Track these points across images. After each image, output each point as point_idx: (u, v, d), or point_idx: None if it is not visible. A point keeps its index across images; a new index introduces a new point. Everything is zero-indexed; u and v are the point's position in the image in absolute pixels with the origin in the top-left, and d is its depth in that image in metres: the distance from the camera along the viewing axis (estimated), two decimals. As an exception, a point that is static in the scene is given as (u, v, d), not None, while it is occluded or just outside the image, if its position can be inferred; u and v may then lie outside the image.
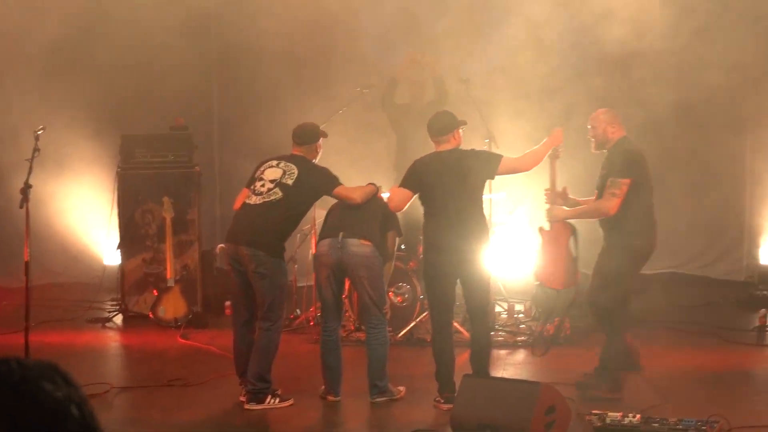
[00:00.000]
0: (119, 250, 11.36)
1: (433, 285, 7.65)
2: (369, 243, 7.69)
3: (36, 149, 8.30)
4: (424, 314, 9.67)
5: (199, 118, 12.45)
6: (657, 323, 10.44)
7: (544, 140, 8.01)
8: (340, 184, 7.84)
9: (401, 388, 7.91)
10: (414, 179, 7.73)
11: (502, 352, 9.44)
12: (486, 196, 10.05)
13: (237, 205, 7.94)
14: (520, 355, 9.50)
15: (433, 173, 7.64)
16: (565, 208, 8.27)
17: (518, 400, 6.71)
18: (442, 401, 7.58)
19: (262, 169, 7.90)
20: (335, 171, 10.32)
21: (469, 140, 11.46)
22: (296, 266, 10.46)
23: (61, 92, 12.38)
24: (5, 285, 12.34)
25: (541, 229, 8.79)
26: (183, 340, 10.08)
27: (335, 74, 12.11)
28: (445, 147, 7.74)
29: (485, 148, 10.18)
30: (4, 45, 12.29)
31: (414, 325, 9.76)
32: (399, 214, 8.00)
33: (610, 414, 6.96)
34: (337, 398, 7.80)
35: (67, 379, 1.71)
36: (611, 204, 7.69)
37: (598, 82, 11.37)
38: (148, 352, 9.74)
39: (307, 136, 7.98)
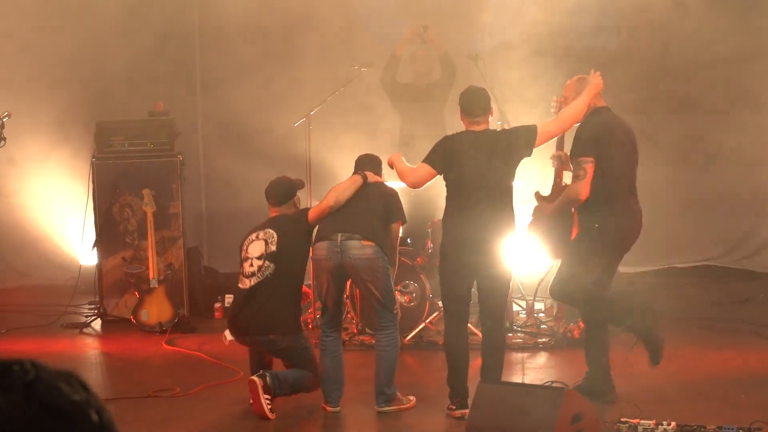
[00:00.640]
0: (96, 249, 11.33)
1: (451, 279, 7.60)
2: (371, 243, 7.66)
3: (2, 138, 8.31)
4: (435, 315, 9.66)
5: (181, 103, 12.41)
6: (692, 321, 10.42)
7: (585, 89, 7.83)
8: (310, 208, 7.99)
9: (411, 398, 7.89)
10: (440, 157, 7.65)
11: (522, 355, 9.43)
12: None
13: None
14: (541, 358, 9.50)
15: (465, 153, 7.55)
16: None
17: (540, 408, 6.71)
18: (455, 407, 7.56)
19: (245, 247, 8.03)
20: (331, 157, 10.29)
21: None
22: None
23: (28, 74, 12.37)
24: (-32, 288, 12.36)
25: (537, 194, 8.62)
26: (168, 347, 10.07)
27: (330, 52, 12.09)
28: (480, 127, 7.70)
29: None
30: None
31: (423, 327, 9.75)
32: (406, 204, 7.97)
33: (642, 422, 6.95)
34: (336, 408, 7.78)
35: (86, 386, 1.75)
36: (578, 188, 7.63)
37: (620, 57, 11.39)
38: (131, 360, 9.73)
39: (282, 196, 8.13)
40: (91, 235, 11.38)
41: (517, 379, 8.43)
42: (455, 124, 11.03)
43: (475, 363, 7.99)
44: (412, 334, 9.67)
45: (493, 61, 11.53)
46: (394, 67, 11.12)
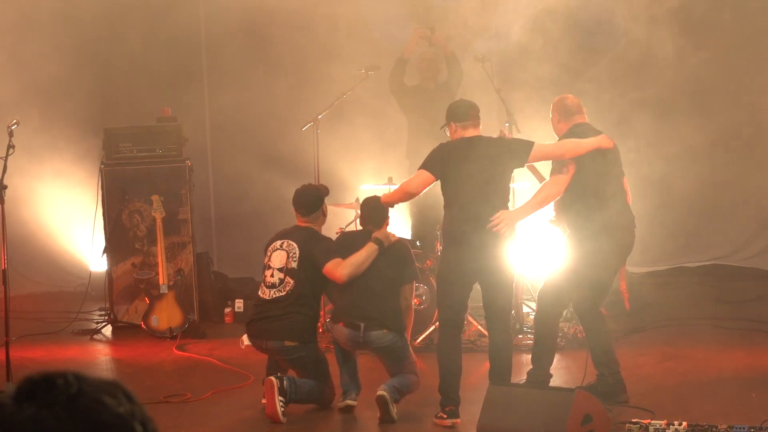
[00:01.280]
0: (106, 255, 11.37)
1: (447, 283, 7.63)
2: (392, 330, 7.75)
3: (11, 146, 8.32)
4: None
5: (189, 108, 12.44)
6: (702, 320, 10.42)
7: (595, 139, 7.92)
8: (332, 257, 7.88)
9: None
10: (438, 163, 7.68)
11: (530, 357, 9.43)
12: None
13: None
14: (551, 359, 9.51)
15: (461, 159, 7.60)
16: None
17: (551, 410, 6.73)
18: (445, 416, 7.51)
19: (269, 253, 8.10)
20: (340, 162, 10.28)
21: (487, 124, 11.50)
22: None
23: (37, 81, 12.40)
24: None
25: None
26: (179, 352, 10.10)
27: (336, 55, 12.10)
28: (473, 133, 7.74)
29: (505, 132, 10.19)
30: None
31: (433, 330, 9.76)
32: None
33: (653, 422, 6.95)
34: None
35: (130, 396, 1.75)
36: (560, 180, 7.81)
37: (631, 57, 11.38)
38: (142, 365, 9.75)
39: (310, 205, 8.16)
40: (101, 242, 11.41)
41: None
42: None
43: (484, 367, 8.01)
44: (422, 336, 9.68)
45: (501, 63, 11.56)
46: (401, 69, 11.13)
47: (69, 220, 12.75)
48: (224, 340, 10.44)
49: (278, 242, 8.07)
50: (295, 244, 7.96)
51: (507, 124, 10.04)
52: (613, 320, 10.00)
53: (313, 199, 8.17)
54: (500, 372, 7.62)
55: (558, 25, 11.04)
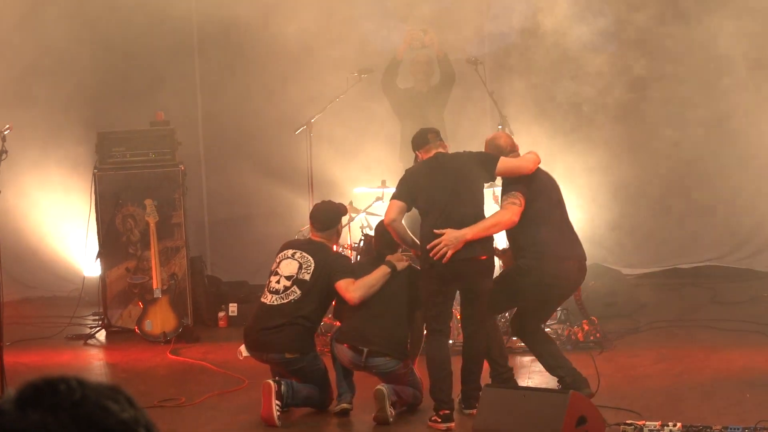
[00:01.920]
0: (99, 260, 11.37)
1: (433, 297, 7.66)
2: (395, 358, 7.74)
3: (3, 151, 8.32)
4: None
5: (182, 112, 12.43)
6: (696, 321, 10.43)
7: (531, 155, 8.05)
8: (347, 276, 7.85)
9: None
10: (405, 190, 7.75)
11: (526, 359, 9.43)
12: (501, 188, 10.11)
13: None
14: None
15: (428, 176, 7.70)
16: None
17: (546, 411, 6.75)
18: (440, 420, 7.52)
19: (278, 260, 8.07)
20: (333, 166, 10.29)
21: (481, 126, 11.58)
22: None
23: (28, 85, 12.41)
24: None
25: None
26: (173, 356, 10.08)
27: (328, 58, 12.09)
28: (431, 153, 7.81)
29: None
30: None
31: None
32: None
33: (647, 423, 6.98)
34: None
35: (132, 402, 1.74)
36: (513, 210, 7.74)
37: (625, 58, 11.41)
38: (136, 370, 9.76)
39: (329, 221, 8.16)
40: (94, 246, 11.41)
41: (522, 382, 8.44)
42: (455, 129, 11.15)
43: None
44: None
45: (493, 66, 11.59)
46: (394, 70, 11.14)
47: (62, 225, 12.73)
48: (218, 344, 10.45)
49: (290, 251, 8.04)
50: (310, 257, 7.94)
51: (500, 126, 10.05)
52: (607, 322, 10.05)
53: (331, 216, 8.18)
54: (474, 374, 7.74)
55: (551, 30, 11.07)
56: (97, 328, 11.24)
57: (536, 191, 7.82)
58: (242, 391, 8.56)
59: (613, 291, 10.90)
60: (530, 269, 7.73)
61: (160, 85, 12.42)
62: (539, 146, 11.25)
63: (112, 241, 11.31)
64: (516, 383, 8.02)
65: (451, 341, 8.47)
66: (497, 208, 8.21)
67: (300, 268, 7.91)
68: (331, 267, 7.90)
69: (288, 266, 7.97)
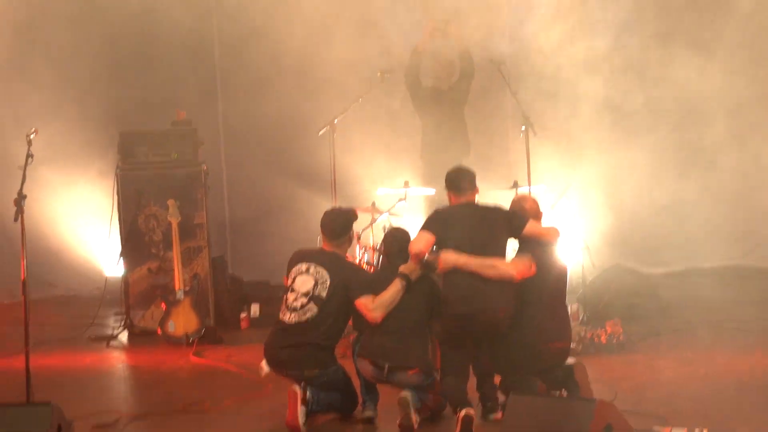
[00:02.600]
0: (121, 260, 11.39)
1: (453, 330, 7.71)
2: (417, 371, 7.72)
3: (29, 155, 8.31)
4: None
5: (203, 111, 12.44)
6: (719, 323, 10.39)
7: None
8: (366, 293, 7.77)
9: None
10: (439, 224, 7.74)
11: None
12: (524, 189, 10.11)
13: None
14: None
15: (459, 222, 7.72)
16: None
17: (571, 420, 6.72)
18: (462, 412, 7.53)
19: (293, 275, 7.94)
20: (356, 166, 10.22)
21: (504, 128, 11.57)
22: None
23: (52, 87, 12.43)
24: (-3, 300, 12.44)
25: None
26: (196, 359, 10.10)
27: (350, 57, 12.08)
28: (468, 199, 7.83)
29: (521, 136, 10.19)
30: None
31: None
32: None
33: (674, 429, 6.96)
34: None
35: None
36: (524, 266, 7.72)
37: (647, 57, 11.36)
38: (159, 373, 9.76)
39: (339, 230, 8.02)
40: (117, 247, 11.43)
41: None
42: (475, 125, 11.14)
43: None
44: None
45: (516, 65, 11.56)
46: (416, 63, 11.14)
47: (84, 225, 12.76)
48: (241, 346, 10.46)
49: (304, 266, 7.92)
50: (325, 272, 7.82)
51: (523, 128, 10.03)
52: (630, 323, 10.01)
53: (341, 225, 8.05)
54: (480, 381, 7.85)
55: (573, 29, 11.04)
56: (120, 329, 11.25)
57: (545, 266, 7.81)
58: (266, 395, 8.54)
59: (635, 292, 10.87)
60: (514, 343, 7.73)
61: (181, 84, 12.42)
62: (562, 145, 11.34)
63: (135, 241, 11.33)
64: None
65: None
66: None
67: (316, 284, 7.79)
68: (348, 283, 7.80)
69: (304, 283, 7.84)
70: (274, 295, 11.35)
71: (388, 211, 10.26)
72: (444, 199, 8.15)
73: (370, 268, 9.80)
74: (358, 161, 11.25)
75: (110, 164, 11.71)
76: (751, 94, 12.07)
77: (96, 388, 9.21)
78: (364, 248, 10.03)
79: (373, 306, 7.70)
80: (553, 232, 7.97)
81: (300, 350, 7.72)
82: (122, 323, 11.36)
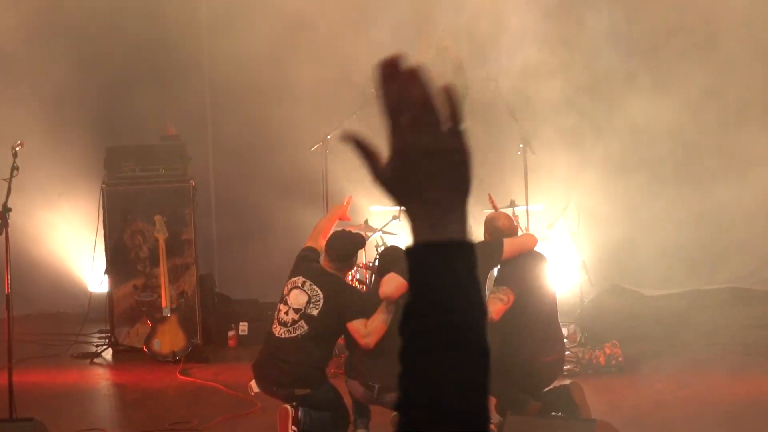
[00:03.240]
0: (106, 276, 11.37)
1: None
2: None
3: (14, 167, 8.30)
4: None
5: (192, 126, 12.44)
6: (721, 346, 10.38)
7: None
8: (359, 317, 7.68)
9: None
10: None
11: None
12: (521, 208, 10.11)
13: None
14: (566, 386, 9.48)
15: None
16: None
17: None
18: None
19: (288, 286, 7.90)
20: (349, 183, 10.21)
21: (502, 147, 11.57)
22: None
23: (36, 100, 12.41)
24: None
25: None
26: (183, 377, 10.08)
27: (344, 72, 12.09)
28: None
29: (519, 154, 10.20)
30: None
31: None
32: None
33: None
34: None
35: None
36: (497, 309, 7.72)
37: (642, 74, 11.39)
38: (145, 391, 9.74)
39: (345, 253, 7.95)
40: (102, 263, 11.40)
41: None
42: (471, 143, 11.12)
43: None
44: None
45: (512, 82, 11.58)
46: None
47: (69, 241, 12.73)
48: (228, 365, 10.44)
49: (300, 280, 7.87)
50: (320, 292, 7.76)
51: (521, 146, 10.05)
52: (627, 344, 9.99)
53: (348, 249, 7.97)
54: None
55: (571, 44, 11.07)
56: (104, 347, 11.22)
57: (527, 287, 7.80)
58: (255, 414, 8.52)
59: (634, 313, 10.87)
60: (508, 360, 7.72)
61: (169, 99, 12.41)
62: (562, 164, 11.34)
63: (120, 257, 11.31)
64: None
65: None
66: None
67: (308, 301, 7.74)
68: (342, 306, 7.72)
69: (297, 298, 7.79)
70: (262, 313, 11.33)
71: (381, 229, 10.25)
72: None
73: (362, 286, 9.78)
74: (351, 177, 11.21)
75: (97, 179, 11.69)
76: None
77: (80, 406, 9.19)
78: (356, 267, 10.00)
79: (365, 332, 7.66)
80: (530, 242, 7.98)
81: (290, 368, 7.68)
82: (107, 340, 11.32)
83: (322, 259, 8.07)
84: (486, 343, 1.99)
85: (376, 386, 7.65)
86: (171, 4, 12.24)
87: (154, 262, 11.14)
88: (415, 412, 1.96)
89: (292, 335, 7.73)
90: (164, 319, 10.81)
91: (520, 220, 9.56)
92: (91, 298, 11.86)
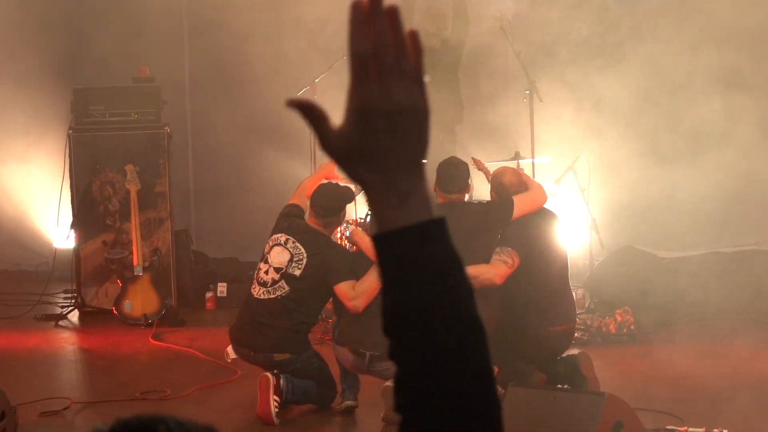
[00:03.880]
0: (73, 231, 11.32)
1: None
2: None
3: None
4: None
5: (168, 67, 12.35)
6: (742, 314, 10.34)
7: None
8: (347, 278, 7.70)
9: None
10: None
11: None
12: (527, 161, 10.07)
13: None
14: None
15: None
16: None
17: (578, 415, 6.68)
18: None
19: (270, 244, 7.90)
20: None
21: (507, 93, 11.53)
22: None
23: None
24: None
25: None
26: (156, 342, 10.05)
27: (331, 6, 11.97)
28: (455, 199, 7.89)
29: (525, 101, 10.16)
30: None
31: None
32: None
33: (690, 429, 6.94)
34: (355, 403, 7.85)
35: None
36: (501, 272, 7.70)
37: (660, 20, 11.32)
38: (114, 357, 9.70)
39: (332, 208, 7.94)
40: (68, 217, 11.36)
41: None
42: (472, 88, 11.10)
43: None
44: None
45: (519, 22, 11.50)
46: (408, 12, 11.09)
47: (32, 192, 12.70)
48: (205, 329, 10.42)
49: (283, 237, 7.86)
50: (303, 250, 7.76)
51: (527, 92, 10.00)
52: (642, 312, 9.98)
53: (336, 203, 7.96)
54: None
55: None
56: (70, 308, 11.20)
57: (535, 249, 7.78)
58: (234, 383, 8.50)
59: (648, 278, 10.83)
60: (511, 329, 7.71)
61: (144, 36, 12.32)
62: (571, 117, 11.28)
63: (88, 210, 11.26)
64: None
65: None
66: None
67: (291, 260, 7.73)
68: (327, 266, 7.73)
69: (278, 255, 7.79)
70: (243, 273, 11.33)
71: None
72: (433, 170, 8.13)
73: (352, 246, 9.75)
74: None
75: (62, 125, 11.62)
76: None
77: (43, 372, 9.17)
78: (346, 222, 9.98)
79: (353, 294, 7.64)
80: (540, 199, 7.98)
81: (269, 331, 7.68)
82: (73, 301, 11.30)
83: (307, 215, 8.04)
84: (479, 322, 1.91)
85: (368, 354, 7.62)
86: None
87: (125, 216, 11.10)
88: (413, 401, 1.90)
89: (272, 296, 7.71)
90: (136, 278, 10.78)
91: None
92: (56, 254, 11.82)
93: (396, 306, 1.88)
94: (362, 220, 10.05)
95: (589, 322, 9.81)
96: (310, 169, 10.43)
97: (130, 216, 10.93)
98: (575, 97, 11.18)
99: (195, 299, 11.38)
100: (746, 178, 12.30)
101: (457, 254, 1.89)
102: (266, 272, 7.81)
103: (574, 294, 10.61)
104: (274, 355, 7.69)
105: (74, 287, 11.37)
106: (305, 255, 7.77)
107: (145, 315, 10.62)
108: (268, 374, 7.57)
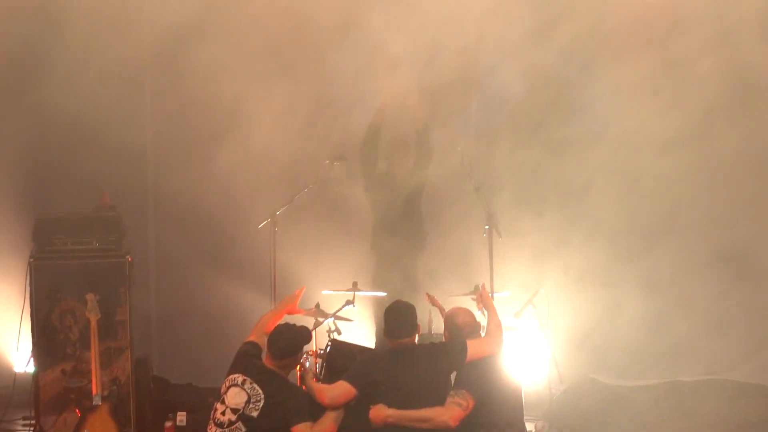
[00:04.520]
0: (33, 359, 11.31)
1: None
2: None
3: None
4: None
5: (131, 195, 12.46)
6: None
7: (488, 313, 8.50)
8: (304, 420, 7.86)
9: None
10: (364, 379, 7.98)
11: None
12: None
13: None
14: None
15: (389, 376, 7.93)
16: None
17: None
18: None
19: (227, 384, 7.99)
20: (299, 263, 10.21)
21: (466, 226, 11.63)
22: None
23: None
24: None
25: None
26: (113, 475, 10.04)
27: (295, 139, 12.13)
28: (406, 342, 8.07)
29: (485, 236, 10.29)
30: None
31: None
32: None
33: None
34: None
35: None
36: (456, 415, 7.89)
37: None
38: (71, 491, 9.70)
39: (288, 350, 8.08)
40: (28, 344, 11.37)
41: None
42: (434, 218, 11.24)
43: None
44: None
45: (478, 150, 11.67)
46: (373, 135, 11.23)
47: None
48: (165, 462, 10.43)
49: (240, 377, 7.95)
50: (260, 391, 7.86)
51: (486, 227, 10.14)
52: None
53: (293, 345, 8.09)
54: None
55: (535, 113, 11.17)
56: (28, 437, 11.18)
57: (490, 390, 7.99)
58: None
59: (608, 409, 10.92)
60: None
61: (106, 164, 12.41)
62: (529, 242, 11.43)
63: (48, 339, 11.21)
64: None
65: None
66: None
67: (248, 401, 7.83)
68: (285, 409, 7.83)
69: (235, 396, 7.88)
70: (202, 402, 11.31)
71: (334, 314, 10.31)
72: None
73: (313, 378, 9.83)
74: (301, 257, 11.30)
75: (24, 253, 11.61)
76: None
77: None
78: (306, 353, 10.06)
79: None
80: (496, 344, 8.12)
81: None
82: (31, 429, 11.27)
83: (264, 355, 8.14)
84: None
85: None
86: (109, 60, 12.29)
87: (85, 344, 11.07)
88: None
89: None
90: (94, 408, 10.71)
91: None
92: (15, 378, 11.78)
93: None
94: (322, 351, 10.13)
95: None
96: (270, 300, 10.53)
97: (90, 345, 10.93)
98: (535, 230, 11.35)
99: (154, 428, 11.37)
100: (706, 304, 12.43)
101: None
102: (222, 413, 7.85)
103: (533, 426, 10.80)
104: None
105: (33, 414, 11.26)
106: (263, 396, 7.83)
107: (103, 445, 10.61)
108: None
